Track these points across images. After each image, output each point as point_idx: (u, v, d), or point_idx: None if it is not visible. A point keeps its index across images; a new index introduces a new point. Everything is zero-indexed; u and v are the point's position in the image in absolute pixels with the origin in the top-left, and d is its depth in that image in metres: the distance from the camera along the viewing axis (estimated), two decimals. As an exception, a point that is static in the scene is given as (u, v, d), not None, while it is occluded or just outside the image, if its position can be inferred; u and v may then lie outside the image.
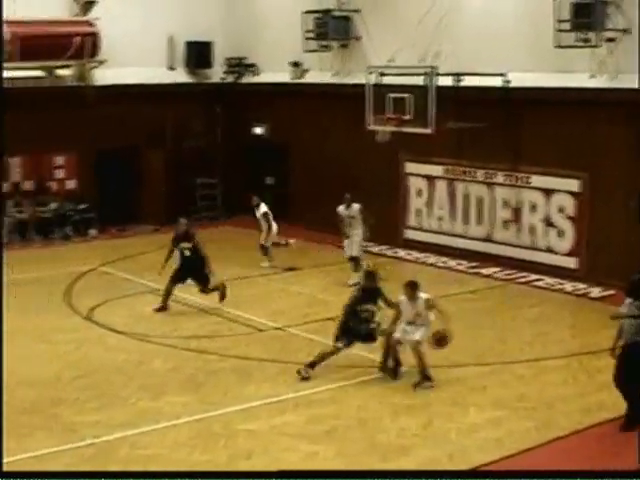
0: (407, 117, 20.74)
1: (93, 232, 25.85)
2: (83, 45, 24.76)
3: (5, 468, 10.68)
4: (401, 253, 23.04)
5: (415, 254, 22.79)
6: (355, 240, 19.82)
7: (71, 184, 26.33)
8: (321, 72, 25.27)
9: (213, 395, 13.18)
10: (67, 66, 25.46)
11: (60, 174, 26.18)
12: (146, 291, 19.19)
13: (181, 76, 27.63)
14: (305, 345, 15.34)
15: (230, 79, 28.06)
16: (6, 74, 23.90)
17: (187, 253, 17.85)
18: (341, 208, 20.06)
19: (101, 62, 25.31)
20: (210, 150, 27.85)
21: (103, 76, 25.50)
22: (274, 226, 21.64)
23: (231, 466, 10.79)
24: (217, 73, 28.12)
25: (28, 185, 25.62)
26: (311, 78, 25.68)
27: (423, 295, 13.59)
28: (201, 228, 25.80)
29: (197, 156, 27.52)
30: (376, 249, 22.94)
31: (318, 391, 13.26)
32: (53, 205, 25.47)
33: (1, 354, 9.77)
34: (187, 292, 18.31)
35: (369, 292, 14.17)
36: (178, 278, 17.81)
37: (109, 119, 25.52)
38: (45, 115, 24.63)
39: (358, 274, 18.42)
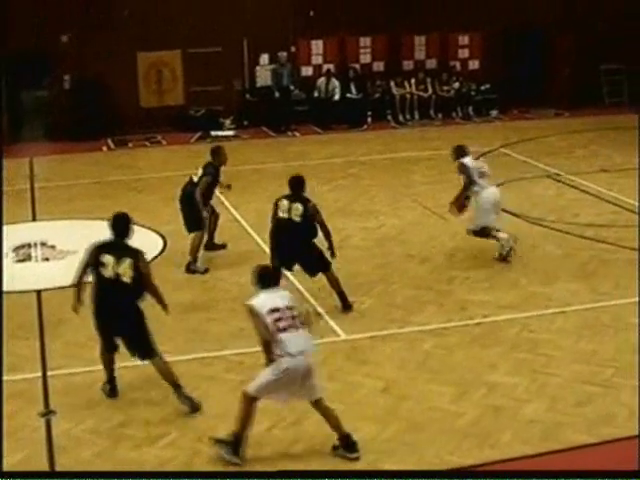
0: None
1: (494, 113, 25.83)
2: None
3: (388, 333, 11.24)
4: None
5: None
6: None
7: (474, 64, 26.36)
8: None
9: (604, 285, 12.84)
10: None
11: (464, 54, 26.28)
12: (544, 175, 18.99)
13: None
14: None
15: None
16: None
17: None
18: None
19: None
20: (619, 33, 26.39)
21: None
22: None
23: (616, 358, 10.54)
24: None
25: (432, 63, 26.00)
26: None
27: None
28: (605, 115, 25.01)
29: (604, 40, 26.16)
30: None
31: None
32: (456, 84, 25.68)
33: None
34: (591, 179, 17.93)
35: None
36: None
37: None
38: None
39: None
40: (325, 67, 25.22)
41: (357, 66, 25.49)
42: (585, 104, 25.54)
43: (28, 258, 14.50)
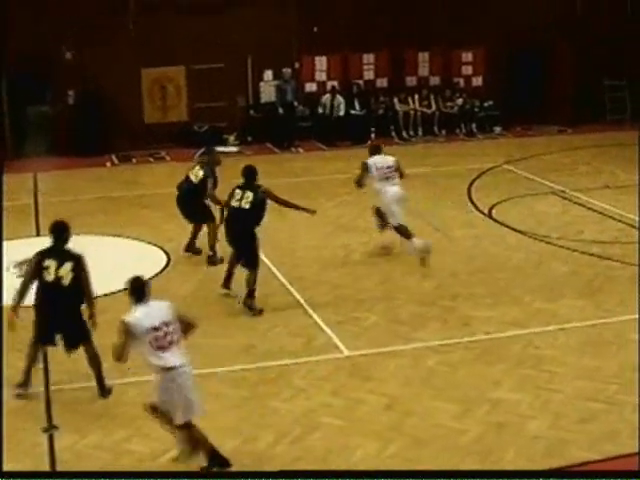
0: None
1: (498, 129, 25.84)
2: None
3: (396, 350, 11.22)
4: None
5: None
6: None
7: (477, 81, 26.39)
8: None
9: (609, 302, 12.82)
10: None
11: (467, 70, 26.32)
12: (548, 192, 18.99)
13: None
14: None
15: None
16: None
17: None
18: None
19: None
20: (621, 48, 26.32)
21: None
22: None
23: (620, 375, 10.50)
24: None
25: (435, 80, 26.05)
26: None
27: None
28: (607, 131, 24.99)
29: (606, 54, 26.10)
30: None
31: None
32: (459, 101, 25.70)
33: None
34: (595, 196, 17.95)
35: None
36: None
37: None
38: (455, 10, 24.81)
39: None
40: (329, 84, 25.26)
41: (360, 82, 25.53)
42: (588, 121, 25.54)
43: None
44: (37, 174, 21.40)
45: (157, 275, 14.32)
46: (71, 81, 23.43)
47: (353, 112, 25.03)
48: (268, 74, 24.98)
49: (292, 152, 24.09)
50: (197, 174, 14.66)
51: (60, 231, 10.47)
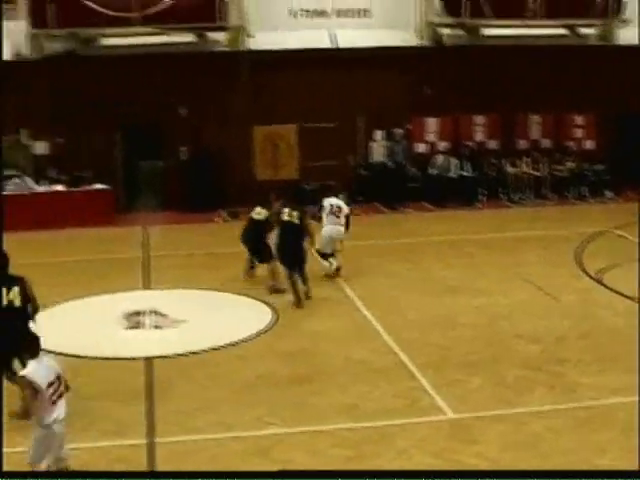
0: None
1: (609, 194, 25.44)
2: (607, 2, 24.37)
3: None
4: None
5: None
6: None
7: (589, 144, 26.09)
8: None
9: None
10: (592, 25, 25.26)
11: (579, 134, 26.06)
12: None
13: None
14: None
15: None
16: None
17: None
18: None
19: (624, 22, 24.71)
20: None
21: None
22: None
23: None
24: None
25: (546, 143, 25.86)
26: None
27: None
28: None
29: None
30: None
31: None
32: (570, 164, 25.44)
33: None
34: None
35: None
36: None
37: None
38: (568, 74, 24.67)
39: None
40: (440, 145, 25.29)
41: (471, 144, 25.44)
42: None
43: (139, 325, 14.72)
44: (147, 227, 21.83)
45: (264, 331, 14.42)
46: (184, 137, 23.98)
47: (465, 174, 24.97)
48: (378, 134, 25.13)
49: (401, 212, 24.09)
50: (260, 213, 16.76)
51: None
